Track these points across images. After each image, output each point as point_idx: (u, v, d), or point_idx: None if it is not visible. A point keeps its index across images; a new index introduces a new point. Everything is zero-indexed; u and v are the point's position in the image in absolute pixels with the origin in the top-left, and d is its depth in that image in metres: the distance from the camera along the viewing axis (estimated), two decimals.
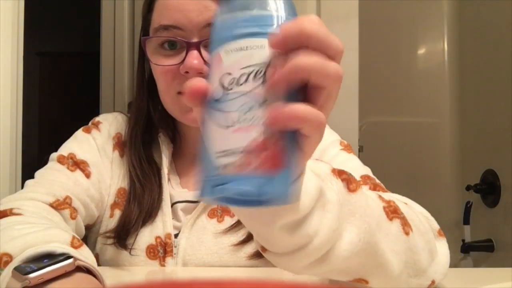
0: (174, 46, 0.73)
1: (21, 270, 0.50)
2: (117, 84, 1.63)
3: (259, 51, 0.35)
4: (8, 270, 0.51)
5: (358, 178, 0.71)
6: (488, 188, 1.83)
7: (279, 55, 0.35)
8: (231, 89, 0.35)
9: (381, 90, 2.03)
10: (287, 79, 0.34)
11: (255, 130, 0.34)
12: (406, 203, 0.57)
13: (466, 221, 1.90)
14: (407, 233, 0.51)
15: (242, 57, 0.35)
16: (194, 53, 0.70)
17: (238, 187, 0.33)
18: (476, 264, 1.88)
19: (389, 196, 0.56)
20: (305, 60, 0.34)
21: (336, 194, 0.44)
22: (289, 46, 0.35)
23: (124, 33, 1.61)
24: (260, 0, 0.37)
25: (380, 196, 0.52)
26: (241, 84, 0.35)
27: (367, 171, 0.75)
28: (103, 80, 1.68)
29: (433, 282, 0.55)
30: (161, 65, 0.74)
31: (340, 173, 0.47)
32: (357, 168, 0.75)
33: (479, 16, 1.93)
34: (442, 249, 0.57)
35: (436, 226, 0.59)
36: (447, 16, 2.05)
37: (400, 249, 0.50)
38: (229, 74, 0.35)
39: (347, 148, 0.79)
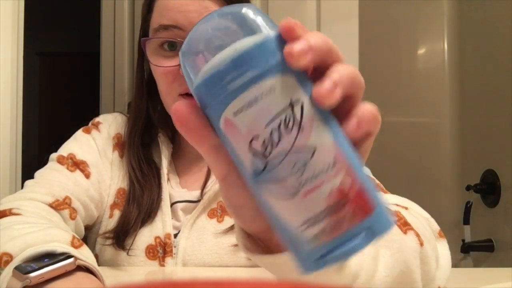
0: (174, 47, 0.73)
1: (22, 270, 0.50)
2: (117, 84, 1.63)
3: (273, 95, 0.28)
4: (9, 269, 0.51)
5: None
6: (488, 188, 1.83)
7: (300, 83, 0.29)
8: (270, 153, 0.29)
9: (381, 90, 2.02)
10: (334, 98, 0.29)
11: (325, 184, 0.29)
12: (406, 208, 0.57)
13: (466, 221, 1.90)
14: (421, 244, 0.50)
15: (259, 112, 0.28)
16: None
17: (347, 248, 0.29)
18: (476, 264, 1.88)
19: (392, 202, 0.56)
20: (346, 71, 0.30)
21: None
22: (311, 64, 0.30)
23: (124, 33, 1.61)
24: (236, 28, 0.30)
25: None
26: (278, 144, 0.29)
27: (366, 171, 0.75)
28: (103, 80, 1.67)
29: None
30: (161, 66, 0.73)
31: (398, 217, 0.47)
32: None
33: (479, 16, 1.93)
34: (443, 251, 0.57)
35: (436, 227, 0.59)
36: (447, 16, 2.05)
37: (419, 263, 0.49)
38: (256, 138, 0.29)
39: None
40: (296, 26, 0.29)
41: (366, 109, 0.31)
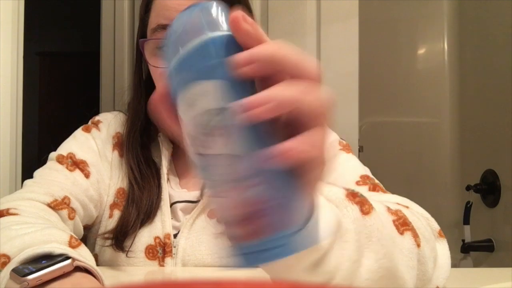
0: None
1: (19, 272, 0.50)
2: (117, 84, 1.63)
3: (205, 98, 0.29)
4: (6, 271, 0.51)
5: (357, 178, 0.71)
6: (488, 188, 1.83)
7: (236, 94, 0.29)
8: (199, 152, 0.30)
9: (381, 90, 2.02)
10: (257, 118, 0.28)
11: (239, 191, 0.29)
12: (407, 207, 0.57)
13: (466, 221, 1.90)
14: (418, 245, 0.50)
15: (193, 113, 0.30)
16: None
17: (265, 255, 0.30)
18: (476, 264, 1.88)
19: (393, 201, 0.56)
20: (283, 93, 0.29)
21: (352, 221, 0.42)
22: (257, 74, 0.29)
23: (124, 33, 1.61)
24: (202, 25, 0.30)
25: (388, 209, 0.50)
26: (204, 144, 0.30)
27: (366, 171, 0.75)
28: (103, 80, 1.67)
29: None
30: (160, 67, 0.73)
31: (354, 196, 0.45)
32: (356, 168, 0.75)
33: (479, 16, 1.93)
34: (443, 251, 0.56)
35: (436, 226, 0.59)
36: (447, 16, 2.05)
37: (414, 263, 0.49)
38: (189, 136, 0.30)
39: (345, 148, 0.79)
40: (242, 22, 0.29)
41: (296, 143, 0.29)
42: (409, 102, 2.06)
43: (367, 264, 0.43)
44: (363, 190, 0.67)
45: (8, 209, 0.63)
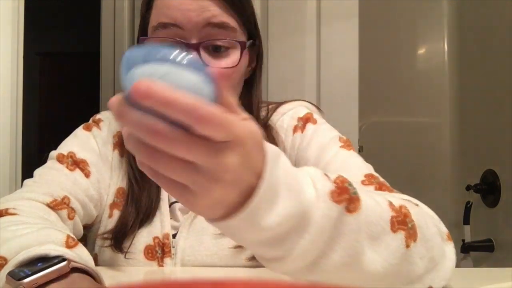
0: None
1: (15, 275, 0.50)
2: (117, 84, 1.63)
3: None
4: (3, 274, 0.51)
5: (362, 177, 0.70)
6: (488, 188, 1.83)
7: None
8: None
9: (381, 90, 2.02)
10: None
11: None
12: (417, 205, 0.57)
13: (466, 221, 1.90)
14: (407, 246, 0.50)
15: None
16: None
17: None
18: (476, 264, 1.88)
19: (399, 199, 0.56)
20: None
21: (321, 216, 0.43)
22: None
23: (124, 33, 1.61)
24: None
25: (390, 204, 0.51)
26: None
27: (370, 169, 0.74)
28: (103, 80, 1.68)
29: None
30: None
31: (342, 193, 0.45)
32: (359, 166, 0.74)
33: (479, 16, 1.93)
34: (450, 255, 0.57)
35: (445, 229, 0.59)
36: (447, 16, 2.05)
37: (396, 262, 0.49)
38: None
39: (346, 144, 0.78)
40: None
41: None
42: (409, 102, 2.06)
43: (332, 257, 0.44)
44: (369, 190, 0.67)
45: (7, 209, 0.63)
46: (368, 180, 0.69)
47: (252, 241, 0.43)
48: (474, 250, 1.86)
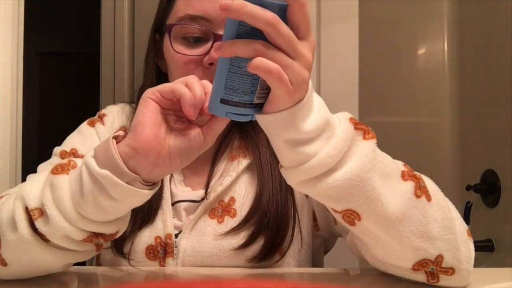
0: (199, 40, 0.72)
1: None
2: (117, 84, 1.63)
3: None
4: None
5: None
6: (488, 188, 1.83)
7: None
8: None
9: (381, 90, 2.02)
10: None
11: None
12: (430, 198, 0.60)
13: (466, 221, 1.88)
14: (417, 196, 0.55)
15: None
16: None
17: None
18: (476, 264, 1.87)
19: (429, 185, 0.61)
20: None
21: (342, 132, 0.52)
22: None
23: (124, 33, 1.61)
24: None
25: (405, 165, 0.61)
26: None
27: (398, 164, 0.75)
28: (103, 80, 1.68)
29: (440, 256, 0.57)
30: (185, 54, 0.72)
31: (360, 125, 0.55)
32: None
33: (479, 16, 1.93)
34: (472, 251, 0.62)
35: (465, 225, 0.63)
36: (447, 16, 2.04)
37: (404, 202, 0.54)
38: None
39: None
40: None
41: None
42: (409, 102, 2.06)
43: (342, 170, 0.51)
44: None
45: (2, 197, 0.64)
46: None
47: (287, 140, 0.50)
48: (474, 250, 1.86)
